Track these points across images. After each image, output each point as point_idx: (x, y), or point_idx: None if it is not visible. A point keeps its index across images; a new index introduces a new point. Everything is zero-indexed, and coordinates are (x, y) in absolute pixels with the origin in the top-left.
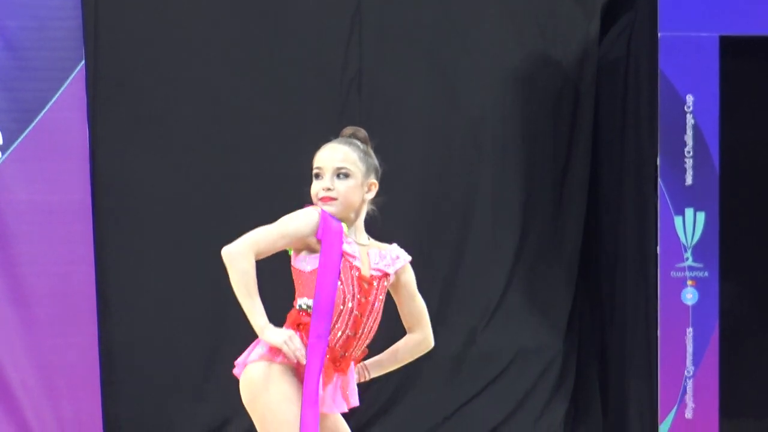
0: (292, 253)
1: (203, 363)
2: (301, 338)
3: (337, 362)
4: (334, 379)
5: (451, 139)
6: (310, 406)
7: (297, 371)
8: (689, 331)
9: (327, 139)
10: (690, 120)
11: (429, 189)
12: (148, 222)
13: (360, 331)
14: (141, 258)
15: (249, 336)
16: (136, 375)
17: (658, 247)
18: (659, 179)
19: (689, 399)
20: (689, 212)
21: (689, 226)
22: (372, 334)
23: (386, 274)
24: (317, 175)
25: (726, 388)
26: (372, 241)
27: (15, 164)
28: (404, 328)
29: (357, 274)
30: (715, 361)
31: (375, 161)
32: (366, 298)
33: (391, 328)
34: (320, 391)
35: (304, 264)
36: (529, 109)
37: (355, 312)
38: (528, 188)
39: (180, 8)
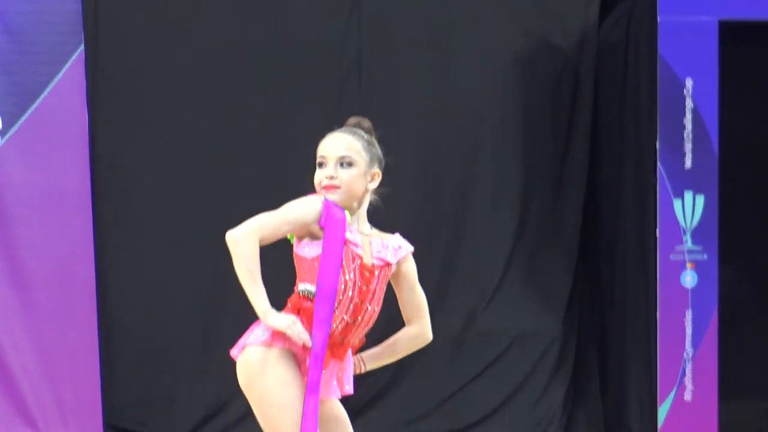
0: (294, 240)
1: (202, 346)
2: (302, 323)
3: (335, 348)
4: (331, 364)
5: (450, 124)
6: (312, 393)
7: (295, 356)
8: (688, 313)
9: (329, 128)
10: (689, 104)
11: (428, 173)
12: (148, 205)
13: (359, 319)
14: (140, 241)
15: (248, 319)
16: (136, 358)
17: (658, 230)
18: (658, 162)
19: (688, 381)
20: (688, 195)
21: (688, 209)
22: (371, 323)
23: (388, 264)
24: (321, 164)
25: (725, 370)
26: (374, 230)
27: (14, 148)
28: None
29: (359, 262)
30: (714, 344)
31: (379, 151)
32: (367, 286)
33: (392, 323)
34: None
35: (306, 250)
36: (529, 93)
37: (356, 299)
38: (527, 172)
39: None
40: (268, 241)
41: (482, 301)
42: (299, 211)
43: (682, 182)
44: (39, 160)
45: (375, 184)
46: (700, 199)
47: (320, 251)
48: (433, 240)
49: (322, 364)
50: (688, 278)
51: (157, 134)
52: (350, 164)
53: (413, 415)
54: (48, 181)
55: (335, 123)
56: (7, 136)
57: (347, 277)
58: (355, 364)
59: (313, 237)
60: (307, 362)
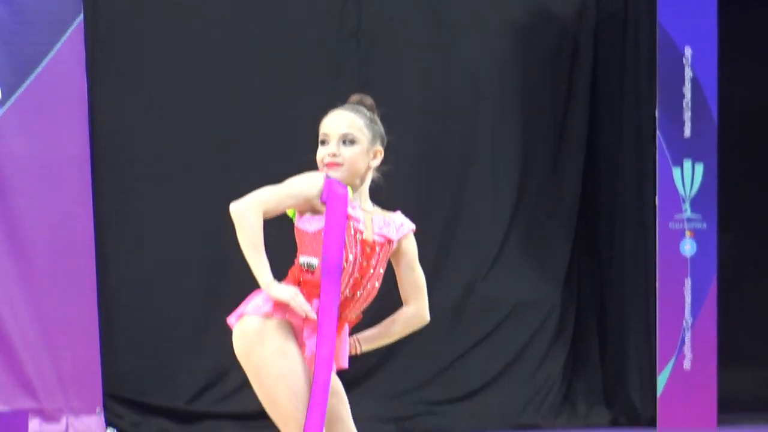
0: (295, 215)
1: (202, 315)
2: (303, 294)
3: None
4: None
5: (449, 93)
6: (323, 369)
7: (294, 328)
8: (687, 282)
9: (328, 101)
10: (688, 72)
11: (427, 142)
12: (147, 174)
13: (358, 294)
14: (139, 210)
15: (248, 289)
16: (135, 327)
17: (657, 199)
18: (658, 131)
19: (687, 350)
20: (687, 164)
21: (687, 177)
22: (370, 299)
23: (389, 241)
24: (323, 141)
25: (724, 338)
26: (376, 208)
27: (14, 118)
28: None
29: (360, 237)
30: (713, 312)
31: (381, 129)
32: (367, 261)
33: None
34: (313, 349)
35: (307, 225)
36: (528, 62)
37: (356, 274)
38: (526, 141)
39: None
40: (271, 214)
41: (482, 270)
42: (303, 185)
43: (682, 151)
44: (38, 131)
45: (377, 162)
46: (699, 168)
47: (321, 225)
48: (433, 209)
49: (334, 340)
50: (687, 247)
51: (157, 104)
52: (353, 142)
53: (413, 384)
54: (47, 152)
55: (334, 95)
56: (6, 106)
57: (348, 252)
58: (351, 345)
59: (315, 212)
60: (305, 334)
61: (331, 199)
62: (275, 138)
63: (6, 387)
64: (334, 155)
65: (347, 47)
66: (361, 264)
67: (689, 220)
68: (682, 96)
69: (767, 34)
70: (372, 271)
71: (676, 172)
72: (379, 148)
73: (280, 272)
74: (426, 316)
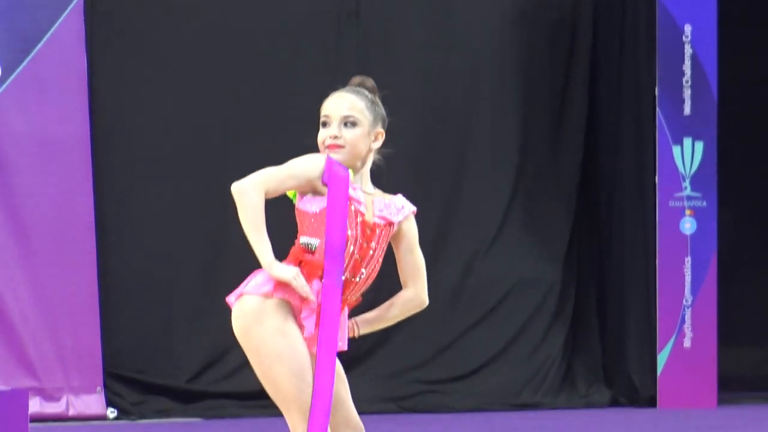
0: (296, 196)
1: (202, 294)
2: (302, 275)
3: None
4: None
5: (448, 76)
6: (328, 351)
7: (293, 308)
8: (687, 260)
9: (326, 80)
10: (688, 50)
11: (426, 121)
12: (147, 152)
13: (359, 276)
14: (140, 189)
15: (248, 268)
16: (136, 305)
17: (657, 177)
18: (657, 109)
19: (688, 328)
20: (687, 142)
21: (687, 155)
22: (369, 281)
23: (390, 223)
24: (324, 123)
25: (724, 317)
26: (377, 190)
27: (13, 95)
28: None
29: (361, 219)
30: (713, 291)
31: (382, 111)
32: (368, 243)
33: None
34: (312, 330)
35: (308, 205)
36: (527, 41)
37: (356, 256)
38: (527, 120)
39: None
40: (272, 194)
41: (481, 249)
42: (304, 166)
43: (681, 129)
44: (38, 108)
45: (378, 144)
46: (699, 146)
47: (322, 206)
48: (433, 188)
49: (338, 320)
50: (687, 225)
51: (156, 81)
52: (354, 124)
53: (412, 363)
54: (47, 129)
55: (333, 77)
56: (6, 83)
57: (349, 233)
58: (349, 328)
59: (316, 193)
60: (303, 314)
61: (333, 181)
62: (275, 118)
63: (6, 366)
64: (336, 137)
65: (347, 26)
66: (361, 245)
67: (689, 198)
68: (682, 74)
69: (767, 11)
70: (372, 253)
71: (676, 150)
72: (381, 131)
73: (280, 253)
74: (425, 300)
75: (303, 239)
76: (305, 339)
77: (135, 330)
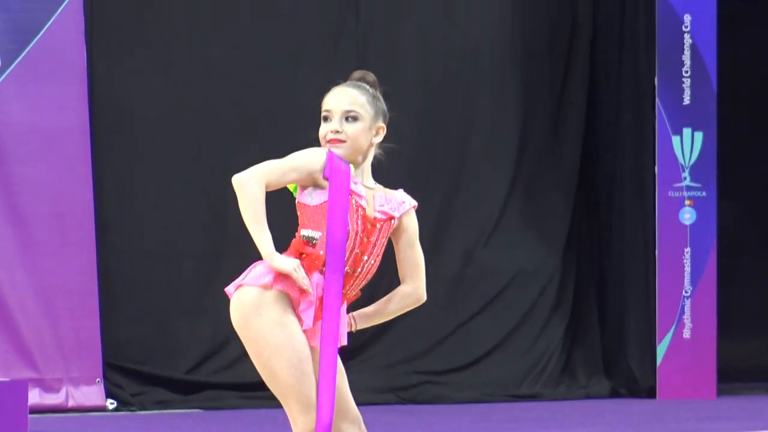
0: (297, 190)
1: (202, 286)
2: (303, 267)
3: None
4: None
5: (449, 66)
6: (330, 343)
7: (291, 300)
8: (687, 251)
9: (326, 70)
10: (688, 40)
11: (427, 113)
12: (146, 143)
13: (359, 270)
14: (139, 178)
15: (248, 258)
16: (135, 295)
17: (656, 167)
18: (657, 99)
19: (687, 319)
20: (687, 132)
21: (687, 145)
22: (369, 276)
23: (391, 218)
24: (326, 118)
25: (724, 307)
26: (378, 185)
27: (13, 86)
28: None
29: (361, 213)
30: (713, 281)
31: (383, 105)
32: (368, 238)
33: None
34: (310, 324)
35: (308, 198)
36: (527, 31)
37: (356, 250)
38: (526, 109)
39: None
40: (273, 187)
41: (481, 239)
42: (305, 159)
43: (681, 119)
44: (38, 98)
45: (379, 139)
46: (699, 136)
47: (323, 199)
48: (433, 178)
49: (339, 314)
50: (687, 215)
51: (156, 71)
52: (355, 118)
53: (412, 354)
54: (47, 119)
55: (333, 66)
56: (6, 73)
57: (349, 227)
58: (347, 323)
59: (317, 186)
60: (301, 307)
61: (334, 175)
62: (276, 113)
63: (6, 357)
64: (337, 132)
65: (348, 14)
66: (362, 240)
67: (689, 188)
68: (682, 64)
69: (766, 1)
70: (372, 247)
71: (675, 140)
72: (382, 125)
73: (280, 246)
74: (422, 296)
75: (304, 232)
76: (303, 332)
77: (134, 321)
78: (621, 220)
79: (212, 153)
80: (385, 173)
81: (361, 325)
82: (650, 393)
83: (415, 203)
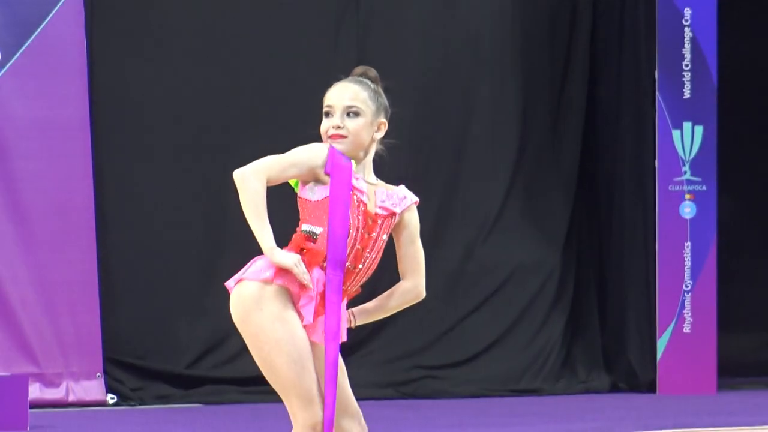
0: (298, 185)
1: (202, 280)
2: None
3: None
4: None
5: (449, 58)
6: (332, 339)
7: (292, 295)
8: (687, 245)
9: (326, 62)
10: (688, 33)
11: (427, 106)
12: (147, 137)
13: (359, 266)
14: (140, 173)
15: (248, 253)
16: (135, 291)
17: (656, 161)
18: (657, 93)
19: (687, 313)
20: (687, 126)
21: (687, 139)
22: (370, 272)
23: (392, 213)
24: (327, 113)
25: (724, 302)
26: (380, 181)
27: (13, 80)
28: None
29: (363, 209)
30: (713, 275)
31: (385, 101)
32: (369, 233)
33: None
34: (310, 319)
35: (310, 194)
36: (527, 24)
37: (357, 246)
38: (526, 103)
39: None
40: (274, 182)
41: (481, 234)
42: (307, 154)
43: (681, 113)
44: (38, 92)
45: (381, 134)
46: (699, 130)
47: (324, 194)
48: (432, 173)
49: (340, 309)
50: (687, 209)
51: (156, 65)
52: (357, 114)
53: (412, 349)
54: (47, 113)
55: (333, 64)
56: (6, 67)
57: (351, 223)
58: (347, 319)
59: (318, 181)
60: (301, 302)
61: (335, 171)
62: (277, 108)
63: (6, 352)
64: (339, 127)
65: (347, 5)
66: (363, 236)
67: (689, 182)
68: (682, 57)
69: None
70: (373, 243)
71: (675, 134)
72: (383, 121)
73: (281, 241)
74: (422, 292)
75: (305, 227)
76: (304, 327)
77: (135, 316)
78: (621, 215)
79: (215, 148)
80: (384, 165)
81: (360, 321)
82: (650, 388)
83: (416, 199)
